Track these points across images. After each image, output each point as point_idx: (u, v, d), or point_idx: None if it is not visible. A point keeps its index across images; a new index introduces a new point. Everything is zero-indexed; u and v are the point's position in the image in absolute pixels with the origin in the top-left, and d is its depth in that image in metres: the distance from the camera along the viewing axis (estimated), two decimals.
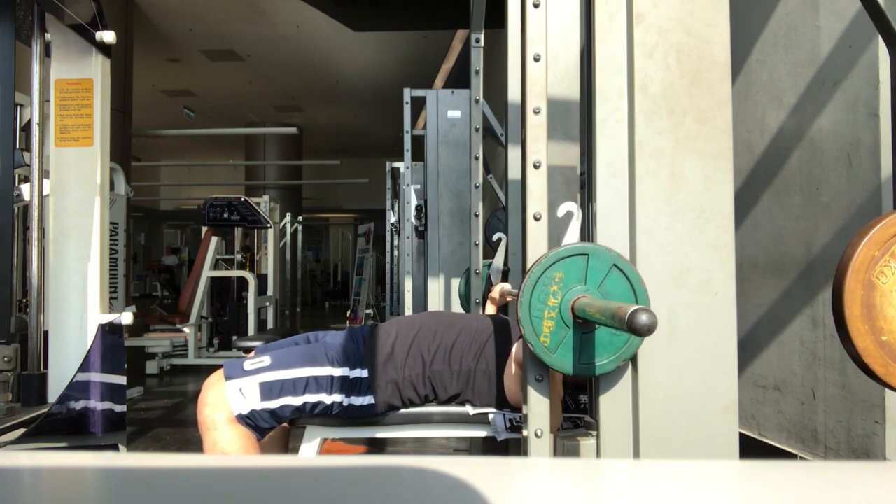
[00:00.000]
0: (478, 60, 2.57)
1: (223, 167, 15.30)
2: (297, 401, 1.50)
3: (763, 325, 2.40)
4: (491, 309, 2.11)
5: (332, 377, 1.53)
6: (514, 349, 1.54)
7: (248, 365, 1.53)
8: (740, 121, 2.49)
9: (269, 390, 1.50)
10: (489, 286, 2.27)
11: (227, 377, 1.51)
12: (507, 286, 2.11)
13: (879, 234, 1.02)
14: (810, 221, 2.15)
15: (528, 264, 1.09)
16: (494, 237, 2.32)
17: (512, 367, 1.53)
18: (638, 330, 0.83)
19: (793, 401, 2.24)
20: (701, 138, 1.08)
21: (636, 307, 0.84)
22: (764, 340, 2.39)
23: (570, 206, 1.15)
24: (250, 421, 1.49)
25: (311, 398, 1.51)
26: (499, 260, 2.26)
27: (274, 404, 1.49)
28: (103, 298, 2.34)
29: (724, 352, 1.07)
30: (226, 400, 1.49)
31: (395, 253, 7.37)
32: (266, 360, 1.54)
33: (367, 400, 1.54)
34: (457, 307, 3.51)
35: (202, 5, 7.47)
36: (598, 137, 1.10)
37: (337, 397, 1.52)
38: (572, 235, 1.15)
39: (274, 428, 1.57)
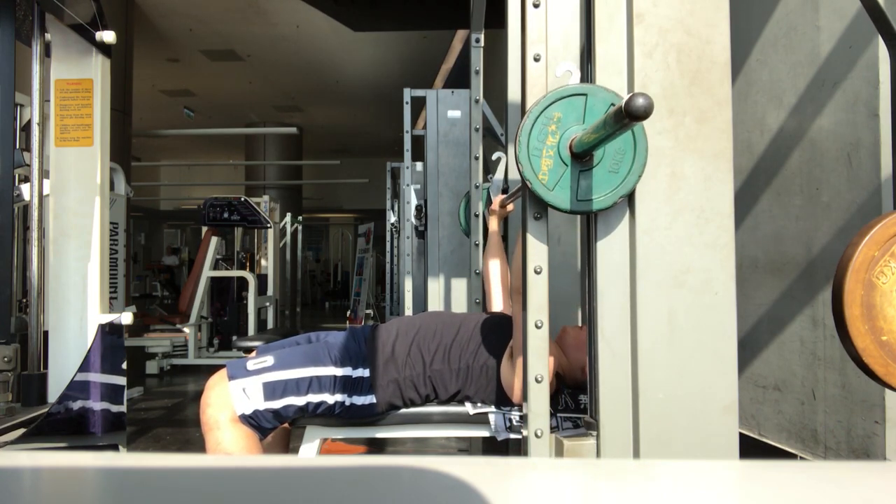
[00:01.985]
0: (478, 60, 2.57)
1: (223, 167, 15.29)
2: (300, 400, 1.51)
3: (763, 325, 2.40)
4: (493, 222, 2.11)
5: (334, 377, 1.53)
6: (510, 345, 1.55)
7: (252, 365, 1.53)
8: (740, 121, 2.49)
9: (272, 390, 1.50)
10: (490, 203, 2.27)
11: (231, 377, 1.51)
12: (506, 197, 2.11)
13: (879, 234, 1.02)
14: (810, 221, 2.15)
15: (529, 266, 1.09)
16: (494, 156, 2.31)
17: (509, 361, 1.53)
18: (635, 111, 0.83)
19: (793, 401, 2.24)
20: (701, 138, 1.08)
21: (631, 94, 0.85)
22: (764, 340, 2.39)
23: (569, 66, 1.15)
24: (253, 421, 1.50)
25: (314, 398, 1.51)
26: (498, 177, 2.26)
27: (277, 404, 1.50)
28: (103, 298, 2.33)
29: (724, 352, 1.07)
30: (229, 400, 1.49)
31: (395, 253, 7.37)
32: (269, 360, 1.54)
33: (369, 399, 1.54)
34: (457, 307, 3.51)
35: (202, 5, 7.47)
36: None
37: (339, 397, 1.52)
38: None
39: (276, 428, 1.57)
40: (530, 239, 1.09)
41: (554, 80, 1.12)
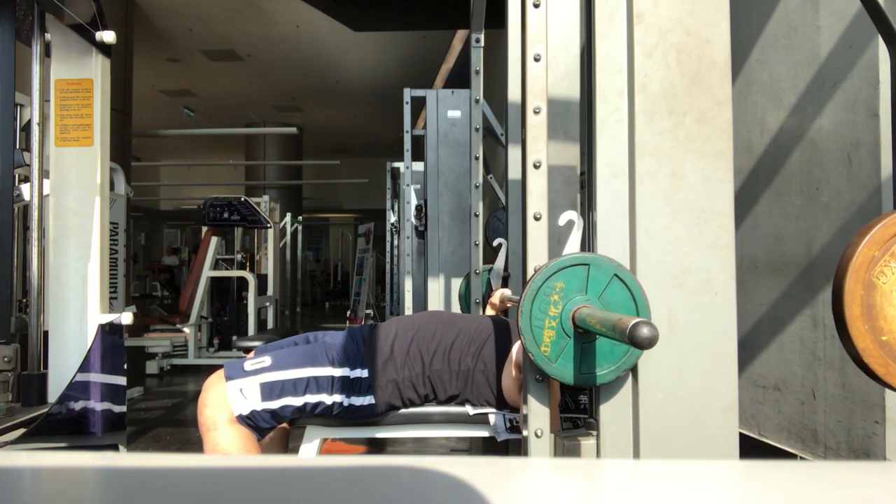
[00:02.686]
0: (478, 60, 2.57)
1: (223, 167, 15.30)
2: (297, 401, 1.50)
3: (763, 325, 2.40)
4: (491, 313, 2.11)
5: (332, 377, 1.53)
6: (513, 351, 1.54)
7: (249, 365, 1.53)
8: (740, 121, 2.49)
9: (269, 391, 1.50)
10: (489, 291, 2.28)
11: (228, 378, 1.51)
12: (507, 292, 2.11)
13: (879, 234, 1.02)
14: (810, 221, 2.15)
15: (528, 265, 1.09)
16: (495, 242, 2.32)
17: (511, 369, 1.53)
18: (639, 343, 0.83)
19: (793, 401, 2.24)
20: (701, 138, 1.08)
21: (637, 320, 0.84)
22: (764, 340, 2.39)
23: (571, 215, 1.16)
24: (251, 421, 1.49)
25: (311, 398, 1.51)
26: (499, 265, 2.26)
27: (274, 405, 1.49)
28: (103, 298, 2.33)
29: (724, 352, 1.07)
30: (226, 400, 1.49)
31: (395, 253, 7.37)
32: (266, 361, 1.54)
33: (368, 400, 1.54)
34: (457, 308, 3.51)
35: (202, 5, 7.47)
36: (598, 137, 1.10)
37: (337, 397, 1.52)
38: (573, 245, 1.16)
39: (274, 428, 1.57)
40: (530, 240, 1.09)
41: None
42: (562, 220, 1.16)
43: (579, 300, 1.02)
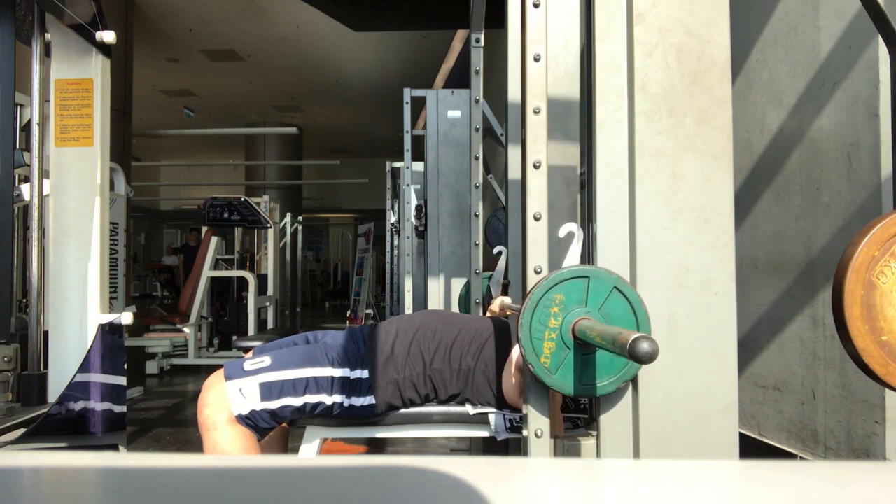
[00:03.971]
0: (478, 60, 2.57)
1: (223, 167, 15.29)
2: (297, 401, 1.50)
3: (763, 325, 2.40)
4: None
5: (332, 378, 1.53)
6: (513, 352, 1.54)
7: (248, 365, 1.53)
8: (740, 121, 2.49)
9: (269, 391, 1.49)
10: (489, 299, 2.28)
11: (227, 377, 1.51)
12: (507, 300, 2.11)
13: (879, 234, 1.02)
14: (810, 221, 2.15)
15: (528, 266, 1.09)
16: (494, 251, 2.33)
17: (511, 370, 1.53)
18: (639, 358, 0.83)
19: (793, 401, 2.24)
20: (701, 138, 1.08)
21: (637, 335, 0.84)
22: (764, 340, 2.39)
23: (571, 227, 1.16)
24: (250, 421, 1.49)
25: (311, 399, 1.51)
26: (499, 272, 2.27)
27: (274, 405, 1.49)
28: (103, 298, 2.33)
29: (724, 352, 1.07)
30: (226, 400, 1.49)
31: (395, 253, 7.37)
32: (266, 361, 1.54)
33: (368, 400, 1.54)
34: (457, 307, 3.51)
35: (202, 5, 7.47)
36: (598, 137, 1.10)
37: (337, 398, 1.52)
38: (573, 257, 1.16)
39: (274, 428, 1.57)
40: (530, 240, 1.09)
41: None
42: (562, 232, 1.16)
43: (579, 312, 1.03)
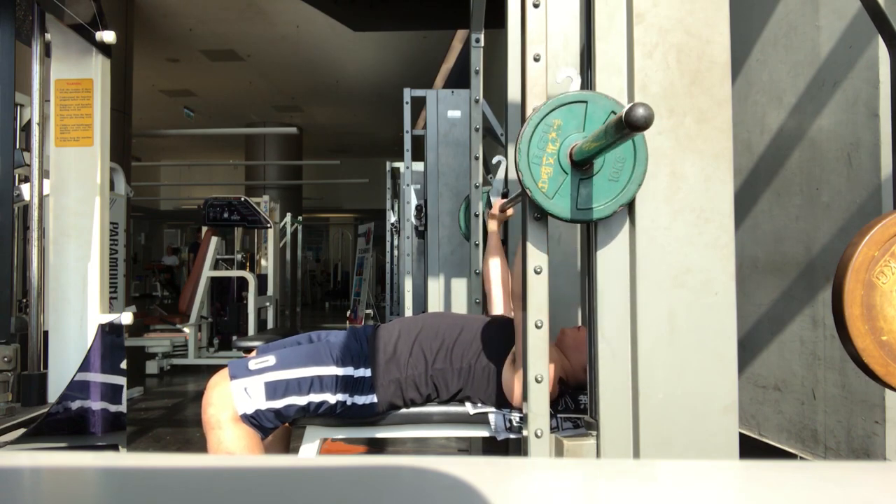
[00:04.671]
0: (478, 60, 2.57)
1: (223, 167, 15.29)
2: (301, 400, 1.50)
3: (763, 325, 2.40)
4: (493, 225, 2.10)
5: (336, 377, 1.53)
6: (513, 350, 1.54)
7: (253, 364, 1.53)
8: (740, 121, 2.49)
9: (274, 390, 1.50)
10: (489, 206, 2.26)
11: (232, 377, 1.51)
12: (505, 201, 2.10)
13: (879, 234, 1.02)
14: (810, 221, 2.15)
15: (529, 267, 1.09)
16: (494, 160, 2.31)
17: (511, 368, 1.53)
18: (635, 122, 0.83)
19: (793, 401, 2.24)
20: (701, 138, 1.08)
21: (631, 104, 0.84)
22: (764, 340, 2.39)
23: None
24: (255, 420, 1.49)
25: (315, 398, 1.51)
26: (498, 183, 2.26)
27: (279, 404, 1.49)
28: (103, 298, 2.33)
29: (724, 352, 1.07)
30: (230, 399, 1.49)
31: (395, 253, 7.37)
32: (271, 360, 1.54)
33: (370, 399, 1.54)
34: (457, 307, 3.51)
35: (202, 5, 7.47)
36: None
37: (341, 397, 1.52)
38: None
39: (277, 427, 1.57)
40: (530, 239, 1.09)
41: (554, 83, 1.12)
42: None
43: (577, 137, 1.04)
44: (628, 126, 0.84)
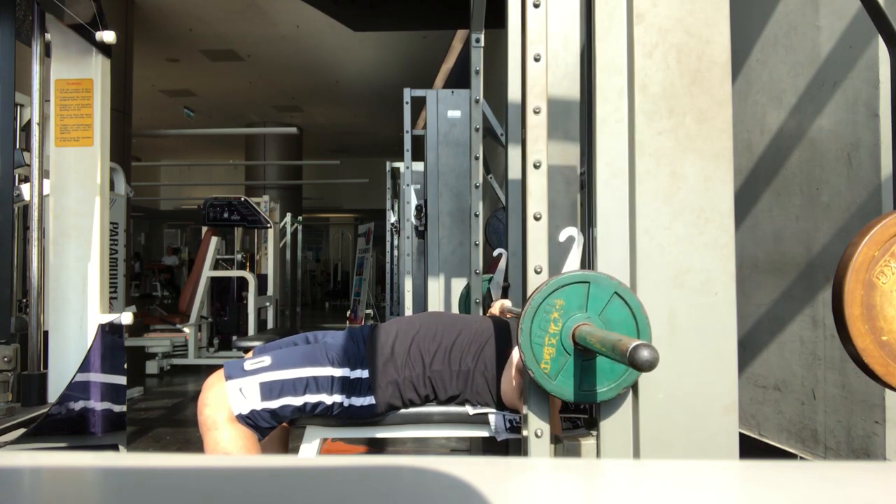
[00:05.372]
0: (478, 60, 2.57)
1: (223, 167, 15.30)
2: (297, 401, 1.50)
3: (763, 325, 2.40)
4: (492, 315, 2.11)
5: (332, 377, 1.53)
6: (513, 355, 1.54)
7: (249, 365, 1.53)
8: (740, 121, 2.49)
9: (269, 390, 1.49)
10: (489, 301, 2.28)
11: (228, 377, 1.51)
12: (507, 303, 2.11)
13: (879, 234, 1.02)
14: (810, 221, 2.15)
15: (529, 266, 1.09)
16: (495, 253, 2.33)
17: (511, 372, 1.53)
18: (639, 365, 0.83)
19: (793, 401, 2.24)
20: (701, 138, 1.08)
21: (637, 342, 0.84)
22: (764, 340, 2.39)
23: (572, 231, 1.16)
24: (250, 421, 1.49)
25: (311, 398, 1.51)
26: (499, 276, 2.27)
27: (274, 404, 1.49)
28: (103, 298, 2.33)
29: (724, 352, 1.07)
30: (226, 400, 1.49)
31: (395, 253, 7.37)
32: (266, 360, 1.54)
33: (368, 400, 1.54)
34: (457, 307, 3.51)
35: (202, 5, 7.47)
36: (598, 137, 1.10)
37: (337, 398, 1.52)
38: (573, 262, 1.16)
39: (274, 428, 1.57)
40: (530, 240, 1.09)
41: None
42: (562, 237, 1.16)
43: (580, 318, 1.03)
44: (632, 365, 0.84)
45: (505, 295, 2.25)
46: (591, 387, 1.04)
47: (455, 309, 3.51)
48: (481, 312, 2.42)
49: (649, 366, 0.83)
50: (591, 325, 1.01)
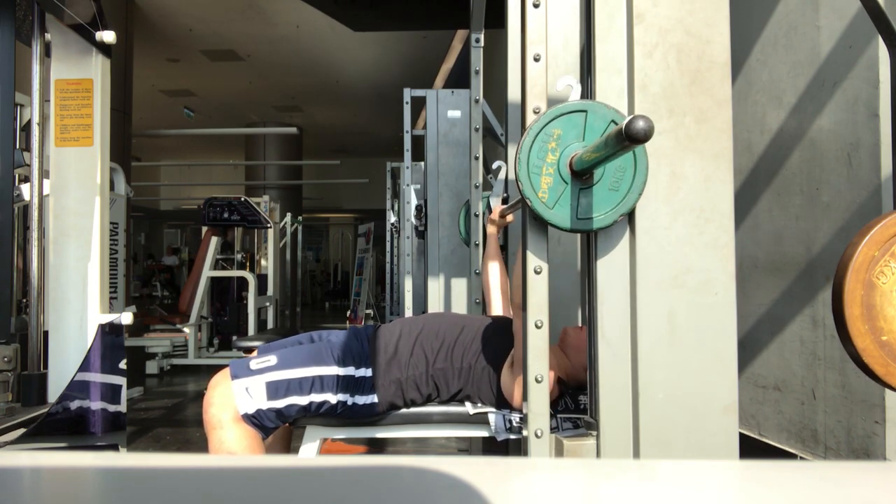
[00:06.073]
0: (478, 60, 2.57)
1: (223, 167, 15.29)
2: (303, 400, 1.51)
3: (763, 325, 2.40)
4: (491, 230, 2.10)
5: (337, 377, 1.53)
6: (513, 352, 1.54)
7: (255, 364, 1.53)
8: (740, 121, 2.49)
9: (275, 390, 1.50)
10: (489, 211, 2.26)
11: (234, 376, 1.51)
12: (503, 207, 2.10)
13: (879, 234, 1.02)
14: (810, 221, 2.15)
15: (529, 267, 1.09)
16: (494, 165, 2.32)
17: (511, 369, 1.53)
18: (635, 135, 0.83)
19: (793, 401, 2.24)
20: (701, 138, 1.08)
21: (632, 116, 0.84)
22: (764, 340, 2.39)
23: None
24: (256, 420, 1.49)
25: (316, 397, 1.51)
26: (498, 185, 2.26)
27: (280, 404, 1.50)
28: (103, 298, 2.33)
29: (724, 352, 1.07)
30: (232, 399, 1.49)
31: (395, 253, 7.37)
32: (272, 360, 1.54)
33: (370, 399, 1.54)
34: (457, 307, 3.51)
35: (202, 5, 7.47)
36: None
37: (342, 396, 1.52)
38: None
39: (279, 427, 1.57)
40: (530, 240, 1.09)
41: (554, 84, 1.11)
42: (559, 85, 1.13)
43: (577, 146, 1.04)
44: (628, 139, 0.84)
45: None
46: (588, 214, 1.05)
47: (455, 307, 3.51)
48: (482, 312, 2.42)
49: (645, 135, 0.83)
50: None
